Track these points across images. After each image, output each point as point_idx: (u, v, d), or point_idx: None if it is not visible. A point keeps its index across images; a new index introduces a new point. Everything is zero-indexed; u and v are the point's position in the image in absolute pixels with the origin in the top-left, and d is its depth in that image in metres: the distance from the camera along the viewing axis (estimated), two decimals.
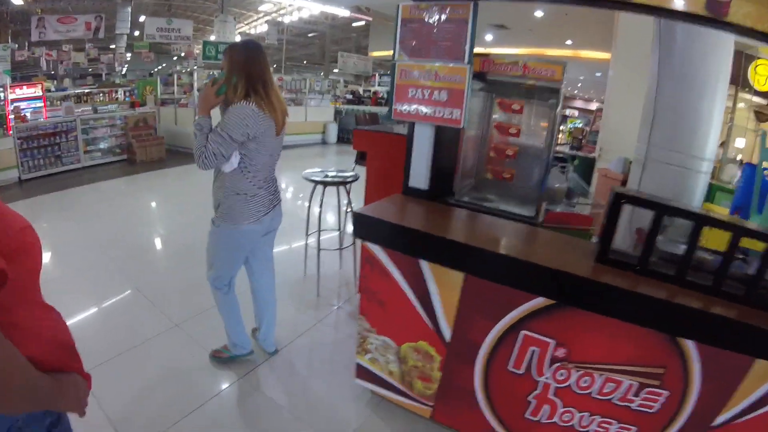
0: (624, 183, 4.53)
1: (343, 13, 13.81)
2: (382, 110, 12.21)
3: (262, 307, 3.04)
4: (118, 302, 3.85)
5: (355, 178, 3.93)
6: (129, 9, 16.14)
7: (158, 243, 5.51)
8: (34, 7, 13.83)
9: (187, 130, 9.84)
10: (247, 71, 2.31)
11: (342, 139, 11.86)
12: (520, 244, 2.29)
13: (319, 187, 3.97)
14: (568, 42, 14.17)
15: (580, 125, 30.68)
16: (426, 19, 2.49)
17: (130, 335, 3.30)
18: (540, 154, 2.87)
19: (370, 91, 20.10)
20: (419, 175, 2.68)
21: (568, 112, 36.18)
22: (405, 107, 2.62)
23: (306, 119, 11.02)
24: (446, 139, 2.67)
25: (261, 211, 2.55)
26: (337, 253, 4.69)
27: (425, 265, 2.18)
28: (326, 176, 3.88)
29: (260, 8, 19.70)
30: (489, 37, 14.79)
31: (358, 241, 3.36)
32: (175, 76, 12.64)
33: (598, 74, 19.05)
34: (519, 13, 11.17)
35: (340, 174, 3.95)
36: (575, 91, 31.48)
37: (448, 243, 2.08)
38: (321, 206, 4.10)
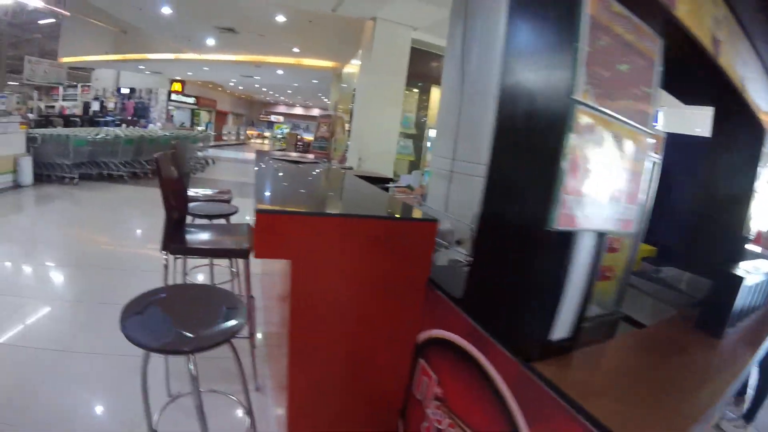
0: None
1: (35, 3, 10.05)
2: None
3: None
4: None
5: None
6: None
7: None
8: None
9: None
10: None
11: (42, 177, 8.41)
12: None
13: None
14: (296, 50, 13.52)
15: (288, 130, 31.22)
16: (617, 35, 1.22)
17: None
18: None
19: (54, 107, 15.80)
20: (567, 318, 1.35)
21: (273, 117, 36.47)
22: (582, 205, 1.22)
23: None
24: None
25: None
26: None
27: None
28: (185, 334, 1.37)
29: None
30: (210, 42, 12.99)
31: None
32: None
33: (315, 81, 19.16)
34: (255, 17, 9.88)
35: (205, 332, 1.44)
36: (281, 97, 31.56)
37: None
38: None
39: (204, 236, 2.43)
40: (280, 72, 17.53)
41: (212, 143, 18.76)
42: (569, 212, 1.19)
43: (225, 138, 27.51)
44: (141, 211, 7.55)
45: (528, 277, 1.34)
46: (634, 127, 1.33)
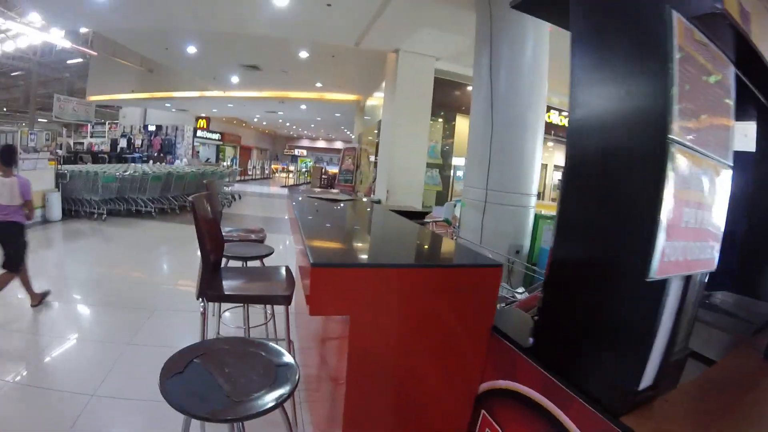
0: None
1: (63, 43, 10.38)
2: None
3: None
4: None
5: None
6: None
7: None
8: None
9: None
10: None
11: (70, 213, 8.60)
12: None
13: None
14: (318, 84, 13.69)
15: (312, 163, 31.53)
16: (700, 65, 1.16)
17: None
18: None
19: (82, 144, 16.16)
20: (653, 366, 1.21)
21: (296, 151, 36.89)
22: (678, 250, 1.13)
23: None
24: None
25: None
26: None
27: None
28: None
29: None
30: (235, 79, 13.24)
31: None
32: None
33: (338, 114, 19.36)
34: (279, 54, 10.02)
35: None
36: (304, 131, 31.95)
37: None
38: None
39: (242, 281, 2.30)
40: (303, 107, 17.79)
41: (238, 178, 18.96)
42: (666, 259, 1.08)
43: (250, 173, 27.82)
44: (170, 248, 7.53)
45: (616, 325, 1.21)
46: (719, 160, 1.25)
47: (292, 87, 14.37)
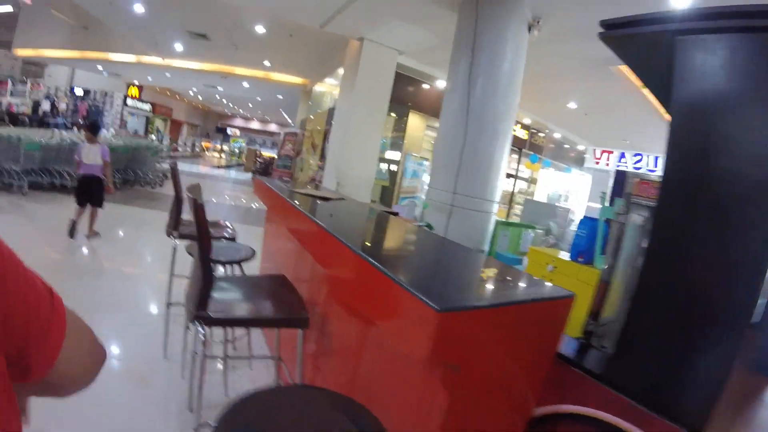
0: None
1: None
2: None
3: None
4: None
5: None
6: None
7: None
8: None
9: None
10: None
11: None
12: None
13: None
14: (267, 63, 13.06)
15: (244, 144, 30.43)
16: None
17: None
18: None
19: (0, 103, 14.49)
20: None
21: (229, 130, 35.45)
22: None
23: None
24: None
25: None
26: None
27: None
28: None
29: None
30: (179, 47, 12.33)
31: None
32: None
33: (280, 96, 18.67)
34: (233, 25, 9.38)
35: None
36: (240, 110, 30.67)
37: None
38: None
39: (245, 299, 1.94)
40: (245, 84, 16.98)
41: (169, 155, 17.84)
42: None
43: (180, 150, 26.26)
44: (102, 231, 6.69)
45: (706, 357, 1.32)
46: None
47: (239, 62, 13.63)
